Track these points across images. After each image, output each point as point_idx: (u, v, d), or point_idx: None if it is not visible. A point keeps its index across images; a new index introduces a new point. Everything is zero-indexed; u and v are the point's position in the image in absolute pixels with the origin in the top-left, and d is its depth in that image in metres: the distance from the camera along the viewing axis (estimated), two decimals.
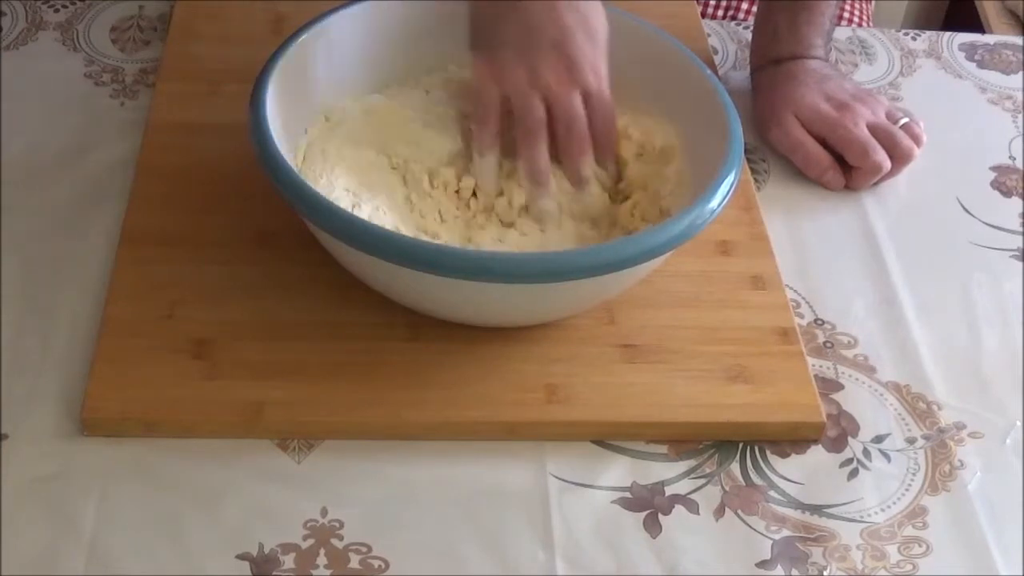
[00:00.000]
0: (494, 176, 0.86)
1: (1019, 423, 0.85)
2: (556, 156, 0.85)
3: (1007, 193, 1.02)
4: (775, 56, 1.04)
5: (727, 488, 0.79)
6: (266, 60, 0.86)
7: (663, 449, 0.81)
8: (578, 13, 0.84)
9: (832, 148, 0.99)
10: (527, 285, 0.76)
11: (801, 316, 0.90)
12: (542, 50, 0.83)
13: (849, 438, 0.83)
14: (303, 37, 0.88)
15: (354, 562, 0.74)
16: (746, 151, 0.92)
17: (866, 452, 0.82)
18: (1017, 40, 1.19)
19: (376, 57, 0.93)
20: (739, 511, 0.78)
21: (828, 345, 0.88)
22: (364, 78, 0.93)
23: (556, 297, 0.80)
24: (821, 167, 0.99)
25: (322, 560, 0.73)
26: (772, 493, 0.79)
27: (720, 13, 1.25)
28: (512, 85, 0.83)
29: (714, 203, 0.80)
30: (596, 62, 0.85)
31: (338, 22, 0.90)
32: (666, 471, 0.80)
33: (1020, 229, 0.99)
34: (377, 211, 0.84)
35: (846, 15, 1.25)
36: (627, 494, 0.78)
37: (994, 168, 1.04)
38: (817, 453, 0.82)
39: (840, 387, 0.86)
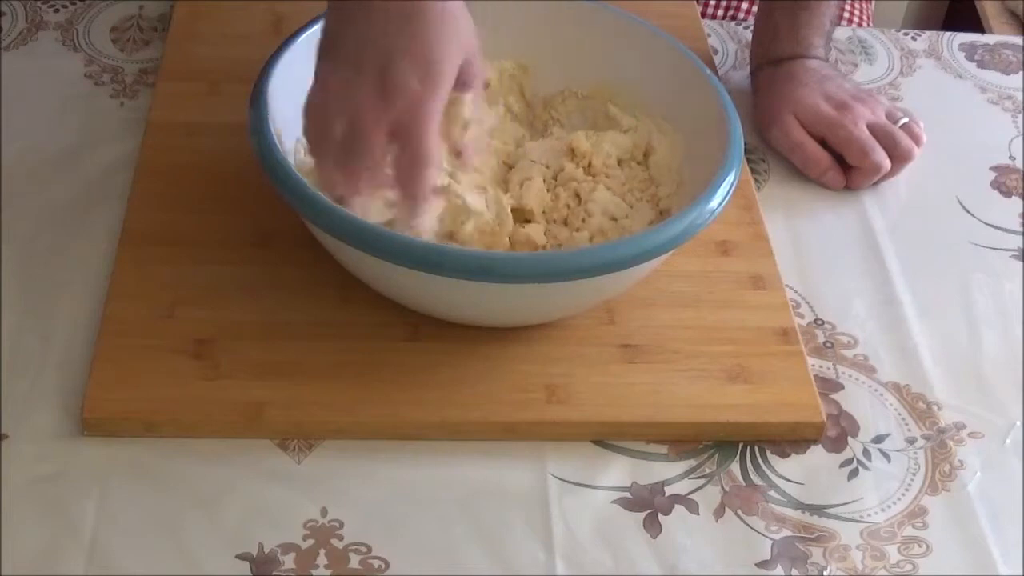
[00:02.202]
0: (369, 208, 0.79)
1: (1019, 423, 0.85)
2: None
3: (1007, 193, 1.02)
4: (775, 56, 1.04)
5: (727, 488, 0.79)
6: (266, 60, 0.86)
7: (663, 449, 0.81)
8: (417, 36, 0.75)
9: (832, 148, 0.99)
10: (527, 285, 0.76)
11: (801, 316, 0.90)
12: (362, 70, 0.75)
13: (849, 438, 0.83)
14: (303, 37, 0.88)
15: (354, 562, 0.74)
16: (746, 151, 0.92)
17: (866, 452, 0.82)
18: (1017, 40, 1.19)
19: None
20: (739, 511, 0.78)
21: (828, 345, 0.88)
22: None
23: (556, 297, 0.80)
24: (821, 167, 0.99)
25: (322, 560, 0.73)
26: (772, 493, 0.79)
27: (720, 13, 1.25)
28: (323, 102, 0.77)
29: (714, 203, 0.80)
30: (417, 94, 0.75)
31: None
32: (666, 471, 0.80)
33: (1020, 229, 0.99)
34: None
35: (846, 15, 1.25)
36: (627, 494, 0.78)
37: (994, 168, 1.04)
38: (817, 453, 0.82)
39: (840, 387, 0.86)
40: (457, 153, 0.81)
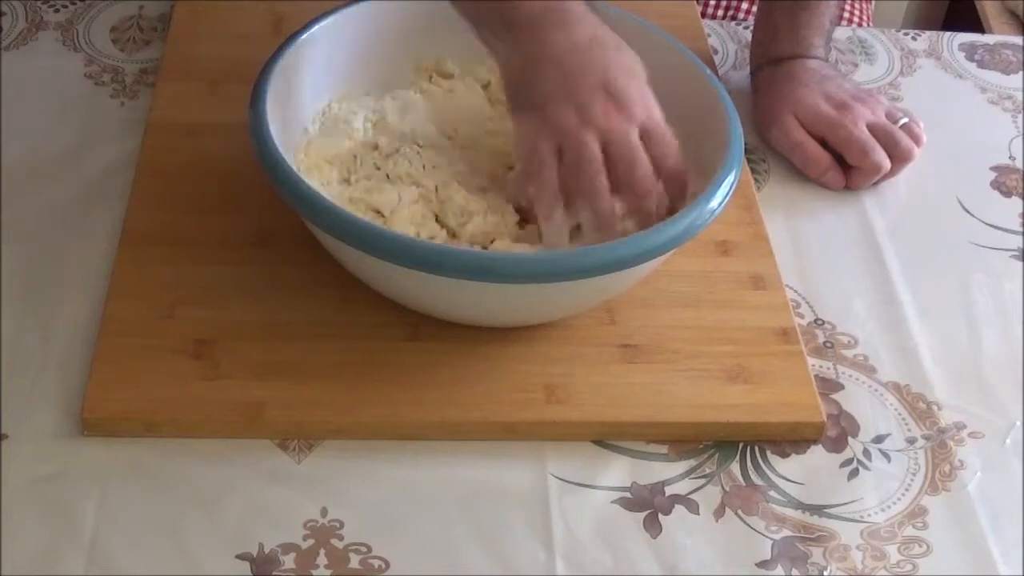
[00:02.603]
0: (566, 237, 0.82)
1: (1019, 423, 0.85)
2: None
3: (1007, 193, 1.02)
4: (775, 56, 1.04)
5: (727, 488, 0.79)
6: (266, 60, 0.86)
7: (663, 449, 0.81)
8: (612, 55, 0.82)
9: (832, 148, 0.99)
10: (527, 285, 0.76)
11: (801, 316, 0.90)
12: (587, 94, 0.80)
13: (849, 438, 0.83)
14: (303, 37, 0.88)
15: (354, 562, 0.74)
16: (746, 151, 0.92)
17: (866, 452, 0.82)
18: (1017, 40, 1.19)
19: (376, 57, 0.93)
20: (739, 511, 0.78)
21: (828, 345, 0.88)
22: (364, 78, 0.93)
23: (556, 297, 0.80)
24: (821, 167, 0.99)
25: (322, 560, 0.73)
26: (772, 493, 0.79)
27: (720, 13, 1.25)
28: (563, 131, 0.79)
29: (714, 203, 0.80)
30: (645, 98, 0.82)
31: (338, 22, 0.90)
32: (666, 471, 0.80)
33: (1020, 229, 0.99)
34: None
35: (846, 15, 1.25)
36: (627, 494, 0.78)
37: (994, 168, 1.04)
38: (817, 453, 0.82)
39: (840, 387, 0.86)
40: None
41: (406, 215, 0.84)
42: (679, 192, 0.82)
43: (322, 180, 0.86)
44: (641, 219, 0.81)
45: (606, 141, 0.79)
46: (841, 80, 1.04)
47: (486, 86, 0.96)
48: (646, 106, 0.81)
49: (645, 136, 0.80)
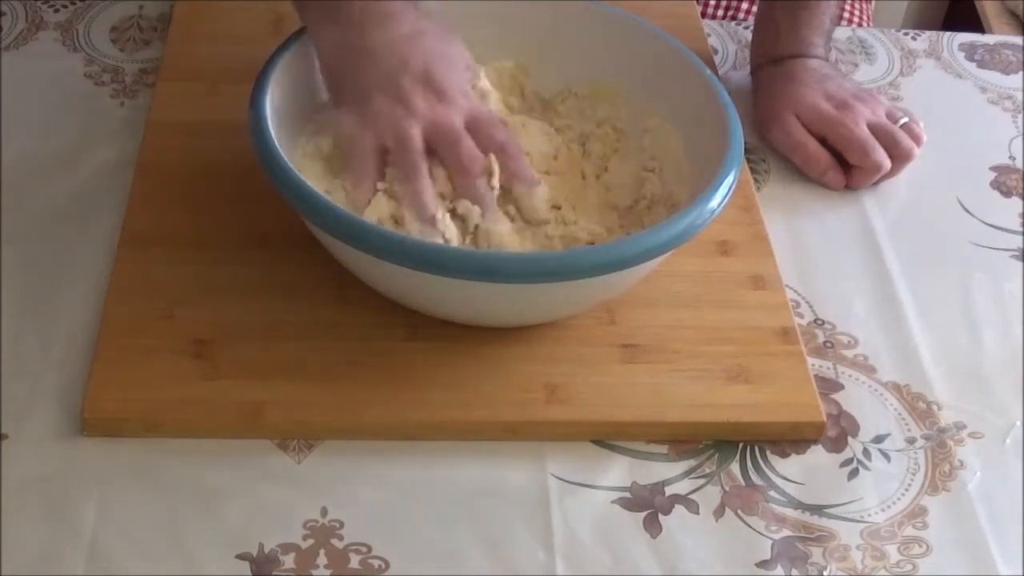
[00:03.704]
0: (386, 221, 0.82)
1: (1019, 423, 0.85)
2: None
3: (1007, 193, 1.02)
4: (775, 55, 1.04)
5: (727, 488, 0.79)
6: (266, 60, 0.86)
7: (663, 449, 0.81)
8: (434, 45, 0.84)
9: (832, 147, 0.99)
10: (527, 285, 0.76)
11: (801, 316, 0.90)
12: (408, 85, 0.82)
13: (849, 438, 0.83)
14: (303, 37, 0.88)
15: (354, 562, 0.74)
16: (746, 151, 0.92)
17: (866, 452, 0.82)
18: (1017, 40, 1.19)
19: None
20: (739, 511, 0.78)
21: (828, 345, 0.88)
22: None
23: (556, 297, 0.80)
24: (821, 167, 0.99)
25: (322, 560, 0.73)
26: (772, 493, 0.79)
27: (720, 13, 1.25)
28: (386, 124, 0.81)
29: (714, 203, 0.80)
30: (464, 87, 0.84)
31: None
32: (666, 471, 0.80)
33: (1020, 229, 0.99)
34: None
35: (846, 15, 1.25)
36: (627, 494, 0.78)
37: (994, 168, 1.04)
38: (817, 453, 0.82)
39: (840, 387, 0.86)
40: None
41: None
42: (516, 169, 0.83)
43: (318, 177, 0.86)
44: (475, 199, 0.81)
45: (430, 130, 0.81)
46: (841, 79, 1.04)
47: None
48: (465, 94, 0.84)
49: (472, 122, 0.82)
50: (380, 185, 0.82)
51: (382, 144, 0.81)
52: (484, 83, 0.88)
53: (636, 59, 0.92)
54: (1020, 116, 1.09)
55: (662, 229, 0.78)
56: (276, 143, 0.80)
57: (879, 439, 0.83)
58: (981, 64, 1.15)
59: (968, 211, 1.00)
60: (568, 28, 0.94)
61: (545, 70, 0.95)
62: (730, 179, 0.81)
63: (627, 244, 0.78)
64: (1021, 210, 1.01)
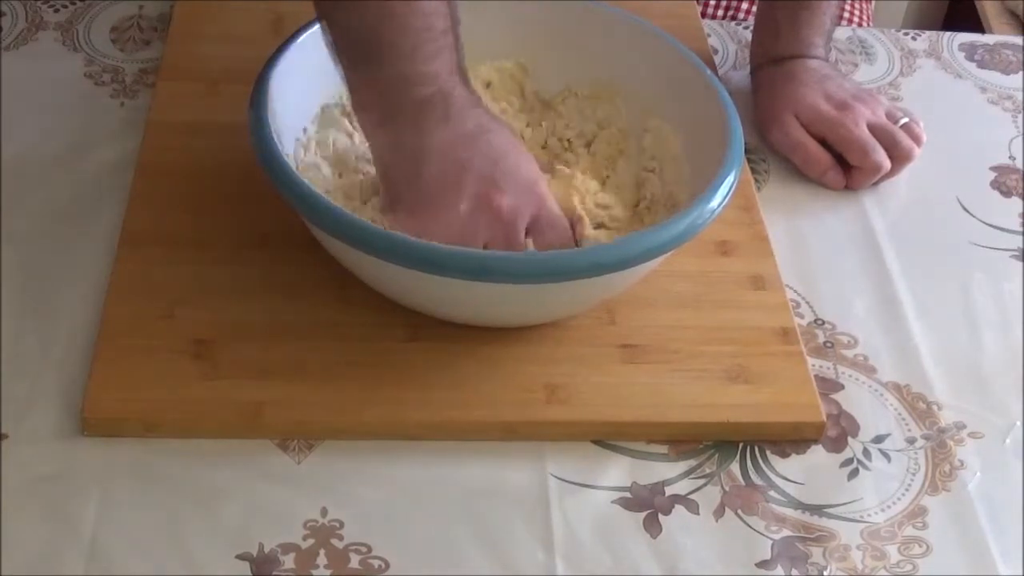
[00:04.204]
0: None
1: (1019, 423, 0.85)
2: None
3: (1007, 193, 1.02)
4: (775, 55, 1.04)
5: (727, 488, 0.79)
6: (266, 60, 0.86)
7: (663, 449, 0.81)
8: (497, 138, 0.80)
9: (832, 148, 0.99)
10: (527, 285, 0.76)
11: (801, 316, 0.90)
12: (476, 182, 0.78)
13: (849, 438, 0.83)
14: (303, 37, 0.88)
15: (354, 562, 0.74)
16: (746, 151, 0.92)
17: (866, 452, 0.82)
18: (1017, 40, 1.19)
19: None
20: (739, 511, 0.78)
21: (828, 345, 0.88)
22: None
23: (556, 297, 0.80)
24: (821, 167, 0.99)
25: (322, 560, 0.73)
26: (772, 493, 0.79)
27: (720, 13, 1.25)
28: (456, 228, 0.78)
29: (714, 203, 0.80)
30: (532, 183, 0.80)
31: None
32: (666, 471, 0.80)
33: (1020, 229, 0.99)
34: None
35: (846, 15, 1.25)
36: (627, 494, 0.78)
37: (994, 168, 1.04)
38: (817, 453, 0.82)
39: (840, 387, 0.86)
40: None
41: None
42: None
43: (320, 178, 0.86)
44: None
45: (493, 239, 0.78)
46: (841, 80, 1.04)
47: (488, 85, 0.96)
48: (533, 189, 0.80)
49: (534, 224, 0.79)
50: None
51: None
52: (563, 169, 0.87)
53: (636, 59, 0.92)
54: (1020, 116, 1.09)
55: (662, 229, 0.78)
56: (276, 143, 0.80)
57: (879, 439, 0.83)
58: (981, 64, 1.15)
59: (968, 211, 1.00)
60: (568, 28, 0.94)
61: (545, 70, 0.96)
62: (730, 179, 0.81)
63: (627, 244, 0.78)
64: (1021, 210, 1.01)
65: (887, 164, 0.98)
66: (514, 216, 0.79)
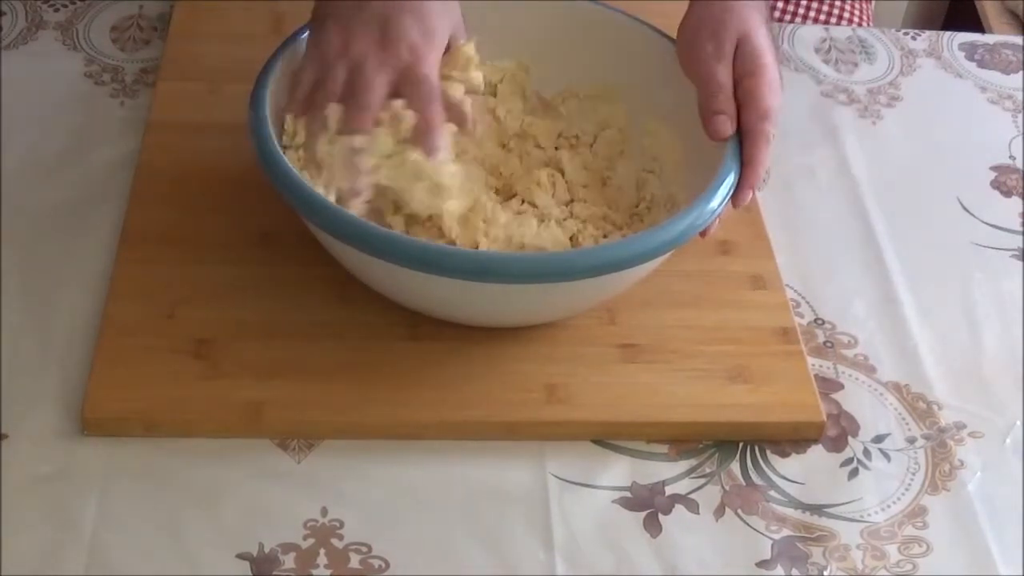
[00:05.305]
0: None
1: (1019, 423, 0.85)
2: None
3: (1007, 193, 1.02)
4: None
5: (727, 488, 0.79)
6: (266, 60, 0.86)
7: (663, 449, 0.81)
8: (413, 4, 0.82)
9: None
10: (527, 285, 0.76)
11: (801, 316, 0.90)
12: (359, 23, 0.81)
13: (849, 438, 0.83)
14: (303, 37, 0.88)
15: (354, 562, 0.74)
16: None
17: (866, 452, 0.82)
18: (1017, 40, 1.19)
19: None
20: (739, 511, 0.78)
21: (828, 345, 0.88)
22: None
23: (556, 297, 0.80)
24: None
25: (322, 560, 0.73)
26: (772, 493, 0.79)
27: None
28: (321, 54, 0.82)
29: (714, 203, 0.80)
30: (419, 46, 0.81)
31: None
32: (666, 471, 0.80)
33: (1020, 229, 0.99)
34: None
35: (846, 15, 1.25)
36: (627, 494, 0.78)
37: (994, 168, 1.04)
38: (817, 453, 0.82)
39: (840, 387, 0.86)
40: (460, 121, 0.82)
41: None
42: (422, 129, 0.80)
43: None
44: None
45: (351, 69, 0.80)
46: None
47: (495, 88, 0.96)
48: (416, 52, 0.81)
49: (401, 79, 0.80)
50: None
51: (316, 76, 0.82)
52: (469, 49, 0.86)
53: (636, 60, 0.92)
54: (1020, 116, 1.09)
55: (662, 230, 0.78)
56: (276, 144, 0.80)
57: (879, 439, 0.83)
58: (981, 64, 1.15)
59: (968, 211, 1.00)
60: (569, 29, 0.94)
61: (546, 70, 0.95)
62: (730, 179, 0.81)
63: (627, 245, 0.78)
64: (1021, 210, 1.01)
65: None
66: (380, 58, 0.80)
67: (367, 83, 0.80)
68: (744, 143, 0.83)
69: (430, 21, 0.82)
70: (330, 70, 0.81)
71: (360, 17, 0.81)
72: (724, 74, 0.85)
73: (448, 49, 0.85)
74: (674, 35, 0.92)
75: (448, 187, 0.81)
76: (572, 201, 0.90)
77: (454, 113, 0.82)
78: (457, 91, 0.84)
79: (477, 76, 0.86)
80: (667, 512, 0.78)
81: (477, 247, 0.82)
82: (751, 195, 0.83)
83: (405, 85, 0.80)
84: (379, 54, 0.81)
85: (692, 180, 0.86)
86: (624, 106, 0.94)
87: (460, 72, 0.85)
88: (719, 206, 0.80)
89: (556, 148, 0.93)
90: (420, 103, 0.80)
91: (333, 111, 0.80)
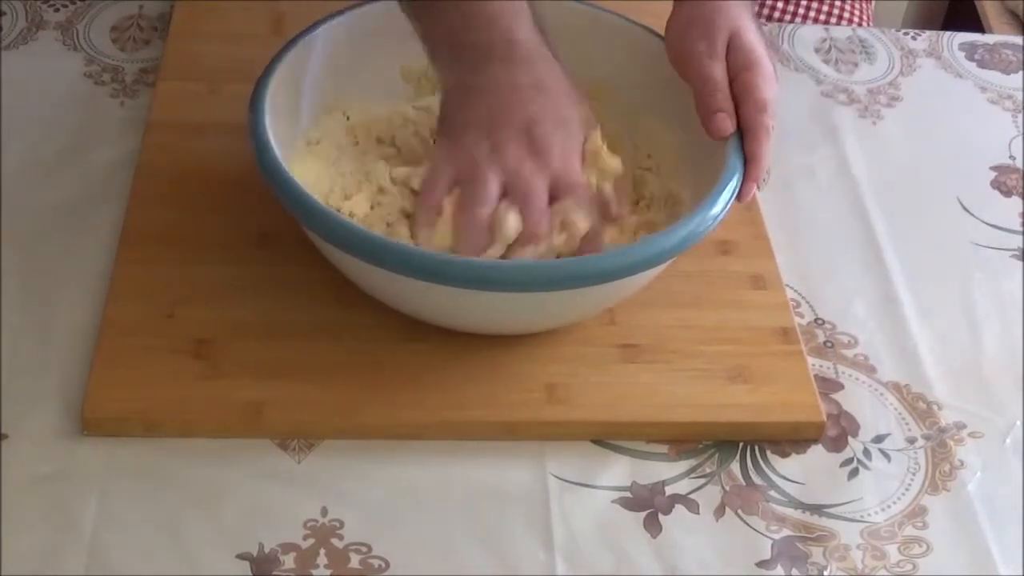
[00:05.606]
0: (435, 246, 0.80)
1: (1019, 423, 0.85)
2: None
3: (1007, 193, 1.02)
4: None
5: (727, 488, 0.79)
6: (266, 63, 0.85)
7: (663, 449, 0.81)
8: (549, 100, 0.80)
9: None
10: (528, 293, 0.76)
11: (801, 316, 0.90)
12: (507, 132, 0.79)
13: (849, 438, 0.83)
14: (303, 40, 0.88)
15: (354, 562, 0.74)
16: None
17: (866, 452, 0.82)
18: (1017, 40, 1.19)
19: (377, 61, 0.93)
20: (739, 511, 0.78)
21: (828, 345, 0.88)
22: (364, 82, 0.93)
23: (557, 305, 0.79)
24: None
25: (322, 560, 0.73)
26: (772, 493, 0.79)
27: None
28: (469, 160, 0.78)
29: (717, 208, 0.79)
30: (566, 151, 0.80)
31: (342, 24, 0.90)
32: (666, 471, 0.80)
33: (1020, 229, 0.99)
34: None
35: (846, 15, 1.25)
36: (627, 494, 0.78)
37: (994, 168, 1.04)
38: (817, 453, 0.82)
39: (840, 387, 0.86)
40: (609, 216, 0.82)
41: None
42: (589, 247, 0.80)
43: (319, 168, 0.86)
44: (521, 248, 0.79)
45: (508, 179, 0.78)
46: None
47: None
48: (565, 159, 0.79)
49: (554, 185, 0.79)
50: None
51: (458, 179, 0.79)
52: (596, 141, 0.84)
53: (625, 59, 0.92)
54: (1020, 116, 1.09)
55: (665, 236, 0.78)
56: (275, 146, 0.79)
57: (879, 439, 0.83)
58: (981, 64, 1.15)
59: (968, 211, 1.00)
60: (556, 30, 0.94)
61: None
62: (732, 184, 0.81)
63: (630, 251, 0.78)
64: (1021, 210, 1.01)
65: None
66: (535, 168, 0.78)
67: (532, 189, 0.78)
68: (744, 138, 0.83)
69: (572, 126, 0.81)
70: (476, 171, 0.78)
71: (501, 125, 0.79)
72: (719, 72, 0.85)
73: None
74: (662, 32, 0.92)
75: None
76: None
77: (606, 209, 0.82)
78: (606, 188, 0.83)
79: (616, 162, 0.84)
80: (667, 512, 0.78)
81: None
82: (755, 190, 0.83)
83: (559, 191, 0.79)
84: (532, 163, 0.78)
85: (692, 177, 0.86)
86: (613, 105, 0.93)
87: (596, 165, 0.83)
88: (722, 211, 0.79)
89: None
90: (583, 208, 0.79)
91: (512, 219, 0.78)
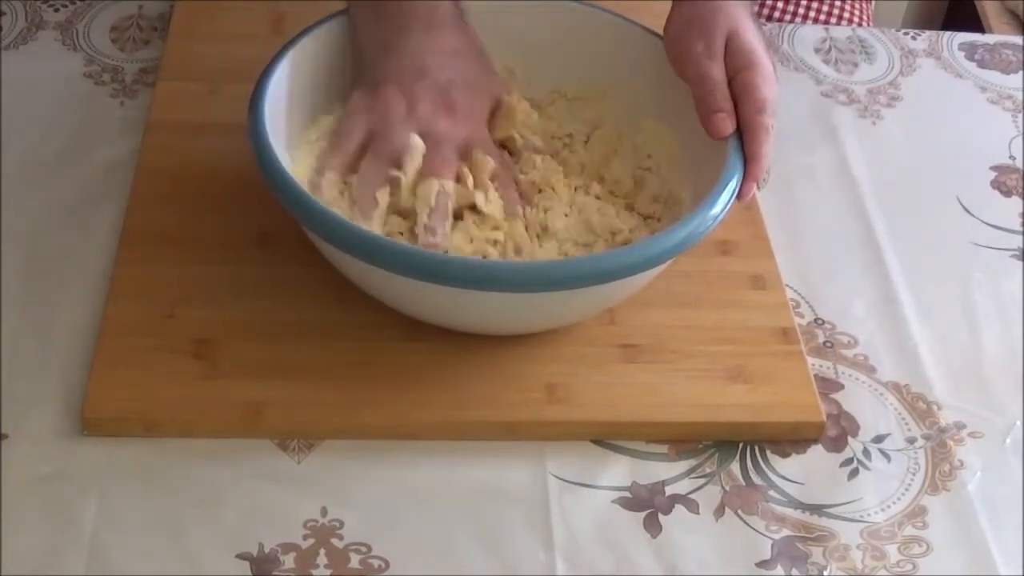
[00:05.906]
0: (327, 197, 0.83)
1: (1019, 423, 0.85)
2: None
3: (1007, 193, 1.02)
4: None
5: (727, 488, 0.79)
6: (266, 63, 0.85)
7: (663, 449, 0.81)
8: (465, 65, 0.86)
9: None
10: (528, 294, 0.76)
11: (801, 316, 0.90)
12: (424, 91, 0.84)
13: (849, 438, 0.83)
14: (303, 40, 0.88)
15: (354, 562, 0.74)
16: None
17: (866, 452, 0.82)
18: (1017, 40, 1.19)
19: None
20: (739, 511, 0.78)
21: (828, 345, 0.88)
22: None
23: (557, 305, 0.79)
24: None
25: (322, 560, 0.73)
26: (772, 493, 0.79)
27: None
28: (382, 111, 0.83)
29: (717, 208, 0.79)
30: (476, 113, 0.85)
31: (339, 25, 0.90)
32: (666, 471, 0.80)
33: (1020, 229, 0.99)
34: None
35: (846, 15, 1.25)
36: (627, 494, 0.78)
37: (994, 168, 1.04)
38: (817, 453, 0.82)
39: (840, 387, 0.86)
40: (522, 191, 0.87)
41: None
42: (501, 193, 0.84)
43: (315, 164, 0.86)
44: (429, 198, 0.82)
45: (422, 132, 0.83)
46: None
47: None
48: (476, 120, 0.85)
49: (465, 145, 0.84)
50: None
51: (372, 129, 0.83)
52: (511, 99, 0.89)
53: (624, 59, 0.92)
54: (1020, 116, 1.09)
55: (665, 236, 0.78)
56: (275, 150, 0.79)
57: (879, 439, 0.83)
58: (981, 64, 1.15)
59: (968, 211, 1.00)
60: (555, 30, 0.94)
61: (532, 73, 0.95)
62: (732, 184, 0.81)
63: (630, 252, 0.78)
64: (1021, 210, 1.01)
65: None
66: (450, 127, 0.83)
67: (443, 138, 0.83)
68: (744, 137, 0.83)
69: (484, 91, 0.87)
70: (390, 129, 0.83)
71: (420, 81, 0.84)
72: (718, 72, 0.85)
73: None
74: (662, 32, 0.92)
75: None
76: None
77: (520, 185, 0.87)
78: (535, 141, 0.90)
79: (525, 106, 0.90)
80: (667, 512, 0.78)
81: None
82: (755, 190, 0.83)
83: (470, 151, 0.84)
84: (448, 120, 0.84)
85: (692, 176, 0.86)
86: (614, 105, 0.93)
87: (512, 119, 0.89)
88: (722, 211, 0.79)
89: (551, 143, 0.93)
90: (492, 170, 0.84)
91: (416, 147, 0.82)
